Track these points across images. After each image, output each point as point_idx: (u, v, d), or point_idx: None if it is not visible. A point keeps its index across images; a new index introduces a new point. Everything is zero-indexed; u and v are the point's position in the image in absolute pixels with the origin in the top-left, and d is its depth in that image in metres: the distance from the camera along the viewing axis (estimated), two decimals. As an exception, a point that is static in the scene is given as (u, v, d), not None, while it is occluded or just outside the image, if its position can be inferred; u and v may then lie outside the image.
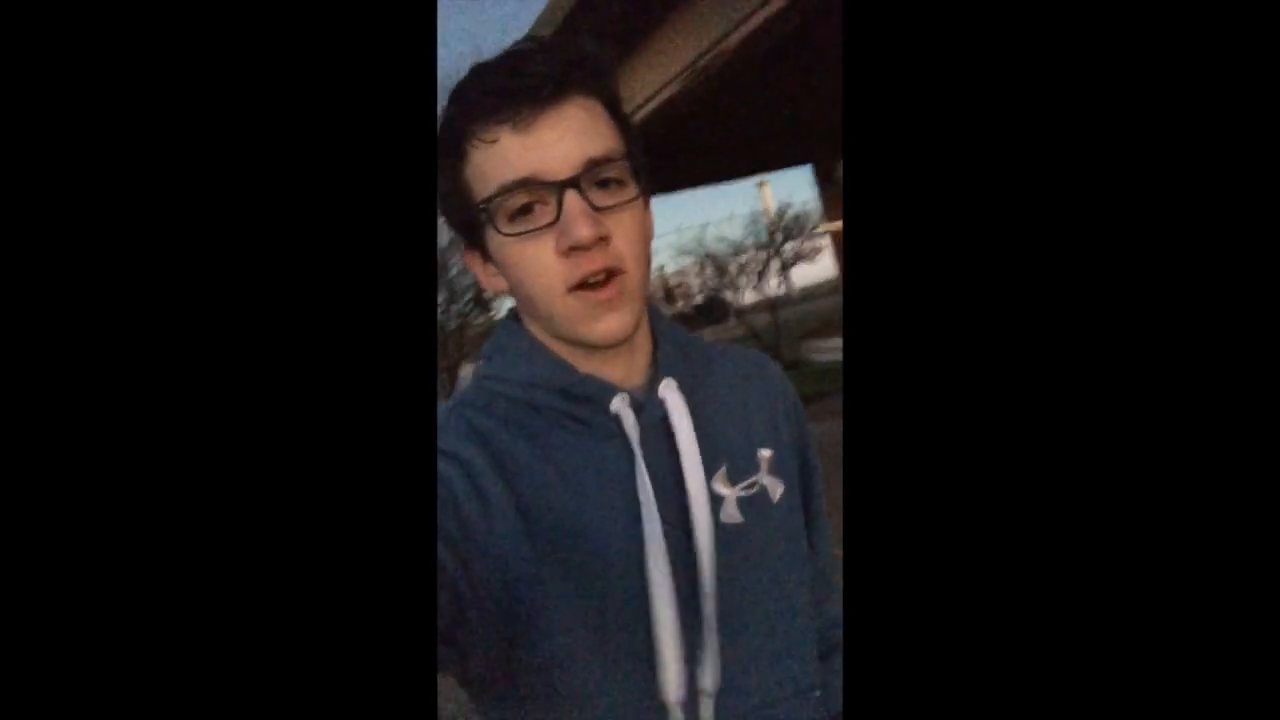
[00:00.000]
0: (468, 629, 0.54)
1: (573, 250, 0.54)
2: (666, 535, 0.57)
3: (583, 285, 0.55)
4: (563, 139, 0.54)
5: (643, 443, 0.58)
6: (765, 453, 0.66)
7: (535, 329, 0.62)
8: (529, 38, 0.58)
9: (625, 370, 0.61)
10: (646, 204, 0.61)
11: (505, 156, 0.54)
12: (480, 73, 0.56)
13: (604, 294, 0.56)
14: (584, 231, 0.53)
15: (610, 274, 0.56)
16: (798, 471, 0.71)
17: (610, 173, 0.56)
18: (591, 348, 0.59)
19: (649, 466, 0.58)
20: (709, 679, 0.58)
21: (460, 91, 0.57)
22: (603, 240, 0.55)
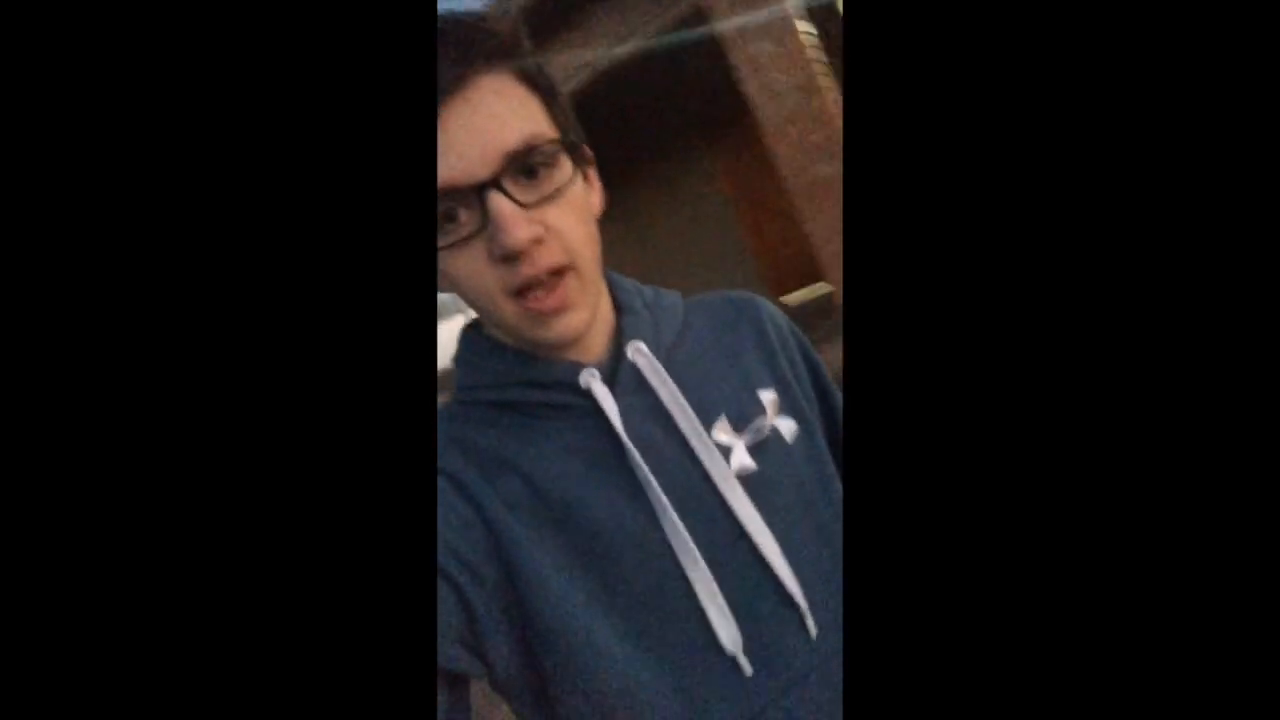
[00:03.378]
0: (485, 636, 0.53)
1: (506, 258, 0.49)
2: (672, 495, 0.55)
3: (525, 291, 0.51)
4: (473, 135, 0.48)
5: (625, 412, 0.56)
6: (768, 395, 0.62)
7: (493, 330, 0.60)
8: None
9: (586, 344, 0.58)
10: (586, 177, 0.57)
11: None
12: None
13: (551, 301, 0.51)
14: (516, 236, 0.48)
15: (557, 272, 0.51)
16: (817, 405, 0.67)
17: (536, 158, 0.50)
18: (549, 347, 0.56)
19: (639, 432, 0.56)
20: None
21: None
22: (538, 242, 0.50)
